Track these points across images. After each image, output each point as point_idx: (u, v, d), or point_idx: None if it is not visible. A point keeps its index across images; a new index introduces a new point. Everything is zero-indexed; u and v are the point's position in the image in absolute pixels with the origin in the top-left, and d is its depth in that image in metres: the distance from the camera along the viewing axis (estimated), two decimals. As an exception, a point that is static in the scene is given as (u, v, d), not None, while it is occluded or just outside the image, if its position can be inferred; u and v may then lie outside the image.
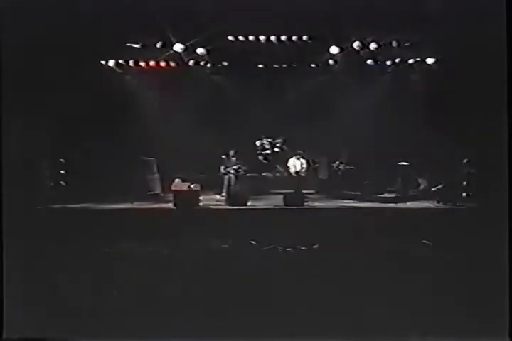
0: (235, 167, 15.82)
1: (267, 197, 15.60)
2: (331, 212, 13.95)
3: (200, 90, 16.80)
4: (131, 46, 15.11)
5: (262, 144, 16.98)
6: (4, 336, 9.20)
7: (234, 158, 15.90)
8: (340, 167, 16.45)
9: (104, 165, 14.80)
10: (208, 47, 15.31)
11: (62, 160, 15.04)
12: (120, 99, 15.83)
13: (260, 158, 16.96)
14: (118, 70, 16.22)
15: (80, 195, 14.59)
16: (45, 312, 9.07)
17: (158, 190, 15.88)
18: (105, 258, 10.70)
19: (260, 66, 16.43)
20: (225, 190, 15.88)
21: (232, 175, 15.82)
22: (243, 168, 16.11)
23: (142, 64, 16.08)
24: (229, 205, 14.50)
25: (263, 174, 17.03)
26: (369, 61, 15.96)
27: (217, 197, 15.65)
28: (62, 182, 15.02)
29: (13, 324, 9.19)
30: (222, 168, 15.85)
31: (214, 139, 16.23)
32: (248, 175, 16.44)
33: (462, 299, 9.07)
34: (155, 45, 15.09)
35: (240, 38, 15.00)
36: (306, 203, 14.48)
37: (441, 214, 13.71)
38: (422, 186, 15.73)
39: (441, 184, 14.75)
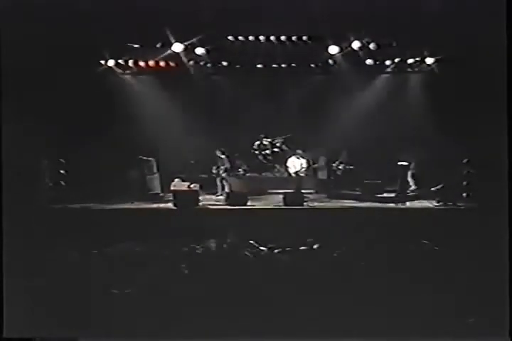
0: (223, 167, 15.87)
1: (266, 197, 15.59)
2: (330, 212, 13.96)
3: (199, 90, 16.79)
4: (131, 46, 15.11)
5: (262, 144, 16.98)
6: (4, 335, 9.21)
7: (225, 157, 15.94)
8: (340, 167, 16.44)
9: (104, 165, 14.78)
10: (207, 47, 15.31)
11: (62, 160, 15.04)
12: (120, 99, 15.81)
13: (260, 158, 16.97)
14: (118, 70, 16.21)
15: (80, 194, 14.59)
16: (45, 312, 9.07)
17: (158, 190, 15.86)
18: (105, 258, 10.70)
19: (260, 66, 16.43)
20: (219, 190, 15.94)
21: (223, 175, 15.90)
22: (242, 167, 16.13)
23: (142, 64, 16.06)
24: (229, 205, 14.50)
25: (263, 174, 17.01)
26: (369, 61, 15.96)
27: (213, 197, 15.66)
28: (62, 182, 15.02)
29: (14, 323, 9.20)
30: (213, 168, 15.94)
31: (214, 139, 16.23)
32: (248, 175, 16.45)
33: (462, 299, 9.07)
34: (155, 45, 15.09)
35: (240, 38, 15.00)
36: (305, 203, 14.49)
37: (441, 214, 13.71)
38: (412, 187, 15.71)
39: (441, 184, 14.74)
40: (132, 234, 11.75)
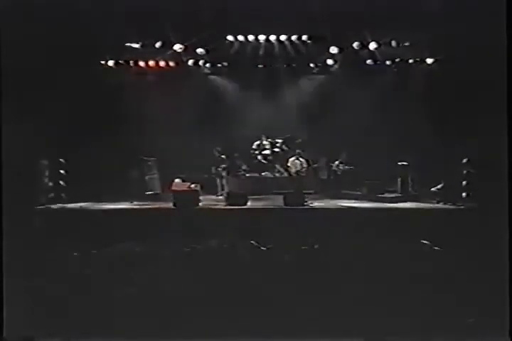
0: (223, 167, 15.89)
1: (266, 197, 15.58)
2: (330, 212, 13.95)
3: (199, 90, 16.80)
4: (130, 46, 15.11)
5: (262, 144, 16.97)
6: (4, 335, 9.20)
7: (225, 157, 15.96)
8: (340, 167, 16.45)
9: (103, 165, 14.78)
10: (207, 47, 15.32)
11: (62, 160, 15.04)
12: (120, 99, 15.81)
13: (260, 158, 16.96)
14: (118, 70, 16.20)
15: (79, 194, 14.59)
16: (45, 312, 9.06)
17: (158, 190, 15.86)
18: (105, 258, 10.69)
19: (260, 66, 16.44)
20: (219, 190, 15.95)
21: (223, 175, 15.92)
22: (243, 167, 16.13)
23: (142, 64, 16.07)
24: (229, 205, 14.49)
25: (263, 174, 17.00)
26: (369, 61, 15.96)
27: (213, 197, 15.66)
28: (62, 182, 15.03)
29: (14, 323, 9.19)
30: (213, 168, 15.97)
31: (214, 139, 16.23)
32: (248, 175, 16.45)
33: (462, 299, 9.06)
34: (154, 45, 15.10)
35: (240, 38, 15.01)
36: (306, 203, 14.48)
37: (441, 214, 13.71)
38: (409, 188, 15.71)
39: (441, 184, 14.74)
40: (132, 234, 11.73)
